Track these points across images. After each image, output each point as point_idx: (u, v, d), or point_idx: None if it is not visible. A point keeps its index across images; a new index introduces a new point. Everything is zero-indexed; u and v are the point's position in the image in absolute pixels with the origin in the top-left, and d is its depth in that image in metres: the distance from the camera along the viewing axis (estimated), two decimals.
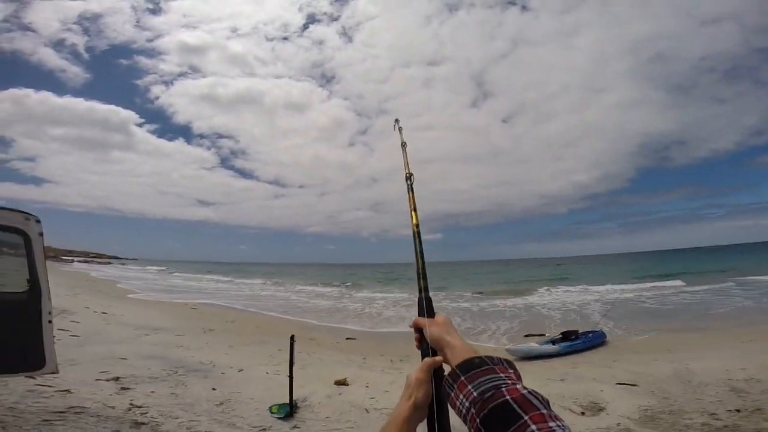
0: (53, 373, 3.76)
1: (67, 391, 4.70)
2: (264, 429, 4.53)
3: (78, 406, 4.33)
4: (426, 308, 0.92)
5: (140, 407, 4.62)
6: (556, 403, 5.42)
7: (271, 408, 5.05)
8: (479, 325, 15.46)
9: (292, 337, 5.56)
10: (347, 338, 12.36)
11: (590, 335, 10.42)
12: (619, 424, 4.47)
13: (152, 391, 5.26)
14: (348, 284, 37.78)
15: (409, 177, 1.16)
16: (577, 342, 9.86)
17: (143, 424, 4.20)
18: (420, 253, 0.99)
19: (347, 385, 6.52)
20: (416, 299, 0.96)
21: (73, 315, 10.38)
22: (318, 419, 5.01)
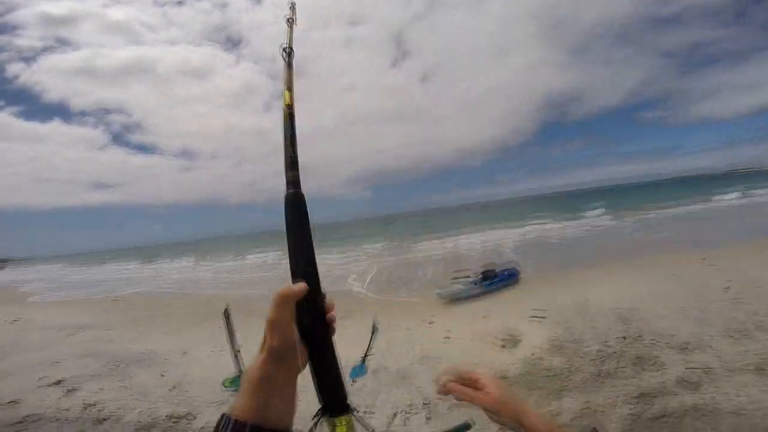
0: None
1: (14, 401, 4.61)
2: (222, 403, 4.77)
3: (32, 414, 4.30)
4: (296, 208, 0.73)
5: (95, 405, 4.66)
6: (482, 339, 6.44)
7: (223, 382, 5.05)
8: (410, 272, 16.98)
9: (225, 311, 5.23)
10: None
11: (506, 273, 12.16)
12: (533, 354, 5.29)
13: (100, 388, 5.25)
14: (279, 251, 37.12)
15: (288, 51, 1.01)
16: (495, 279, 11.57)
17: (105, 419, 4.32)
18: (292, 137, 0.82)
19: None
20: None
21: None
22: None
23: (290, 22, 1.15)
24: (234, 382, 5.23)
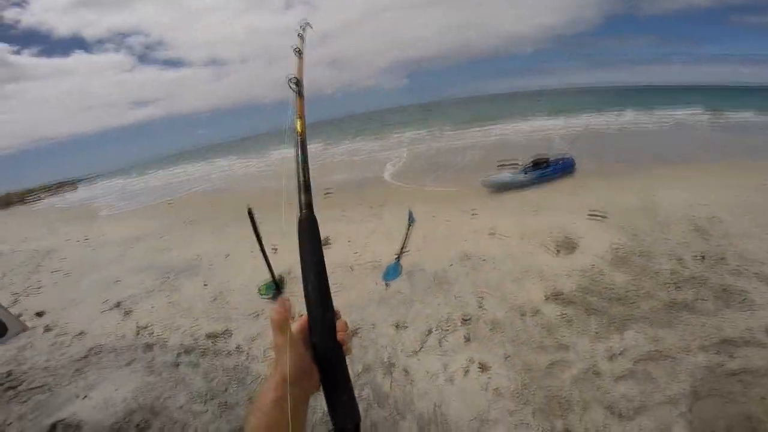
0: (23, 331, 3.89)
1: (82, 333, 4.89)
2: (257, 314, 4.84)
3: (95, 345, 4.52)
4: (309, 231, 0.78)
5: (146, 327, 4.90)
6: (532, 239, 5.80)
7: (259, 290, 5.10)
8: (452, 161, 15.98)
9: (249, 211, 5.16)
10: (325, 193, 12.36)
11: (560, 162, 10.80)
12: (593, 266, 4.62)
13: (152, 306, 5.54)
14: (319, 142, 36.87)
15: (296, 82, 1.07)
16: (548, 169, 10.34)
17: (153, 345, 4.47)
18: (304, 163, 0.87)
19: (329, 245, 6.82)
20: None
21: (59, 252, 10.26)
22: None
23: (298, 52, 1.20)
24: (269, 288, 5.17)
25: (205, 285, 6.15)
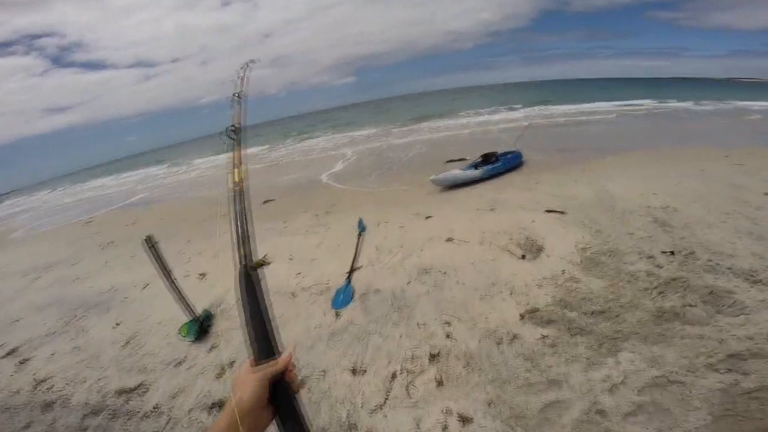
0: None
1: None
2: (179, 362, 3.89)
3: None
4: (249, 284, 0.82)
5: (45, 381, 3.97)
6: (493, 242, 5.32)
7: (180, 330, 4.34)
8: (402, 156, 15.55)
9: (148, 240, 4.09)
10: (264, 202, 11.09)
11: (509, 156, 10.60)
12: (564, 271, 4.24)
13: (53, 353, 4.52)
14: (262, 144, 34.89)
15: (235, 129, 1.09)
16: (498, 164, 10.04)
17: (54, 403, 3.60)
18: (242, 214, 0.89)
19: (267, 264, 6.01)
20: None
21: None
22: (238, 326, 4.60)
23: (238, 98, 1.19)
24: (189, 329, 4.27)
25: (117, 324, 5.08)
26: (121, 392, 3.67)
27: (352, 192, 11.29)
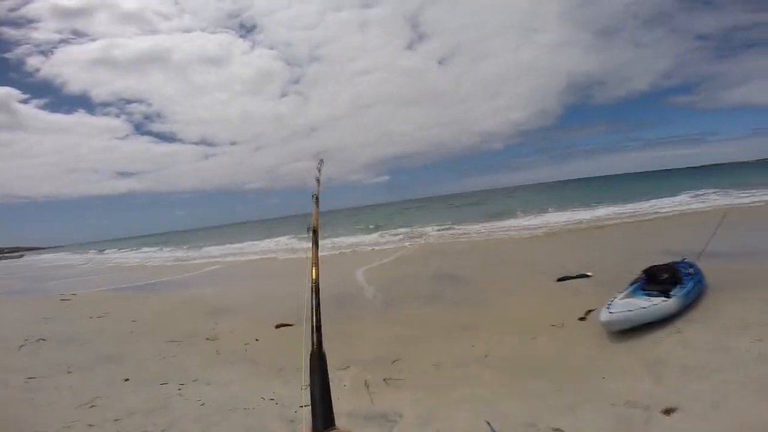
0: None
1: None
2: None
3: None
4: (319, 366, 0.95)
5: None
6: None
7: None
8: (493, 270, 10.01)
9: None
10: (278, 325, 6.80)
11: (691, 271, 5.96)
12: None
13: None
14: (291, 236, 30.54)
15: (313, 230, 1.19)
16: (688, 286, 5.50)
17: None
18: (317, 307, 1.05)
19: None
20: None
21: None
22: None
23: (315, 199, 1.34)
24: None
25: None
26: None
27: (426, 332, 6.40)
